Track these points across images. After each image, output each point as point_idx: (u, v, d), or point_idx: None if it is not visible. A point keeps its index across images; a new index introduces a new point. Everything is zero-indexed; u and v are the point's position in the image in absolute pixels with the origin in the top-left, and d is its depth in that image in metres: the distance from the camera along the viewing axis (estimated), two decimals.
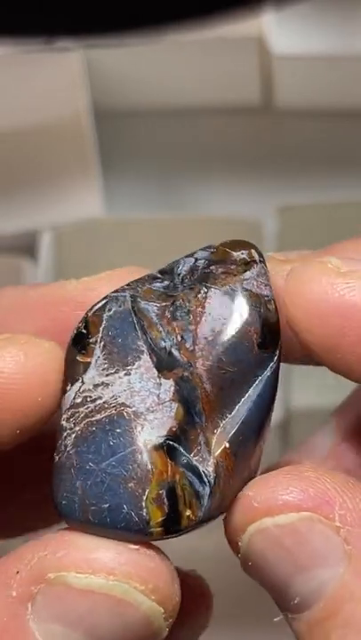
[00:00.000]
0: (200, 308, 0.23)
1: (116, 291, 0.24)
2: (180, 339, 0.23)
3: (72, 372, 0.23)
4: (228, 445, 0.23)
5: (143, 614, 0.22)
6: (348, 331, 0.23)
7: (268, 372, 0.23)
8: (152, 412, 0.22)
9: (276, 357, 0.23)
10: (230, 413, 0.23)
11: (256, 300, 0.23)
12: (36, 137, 0.45)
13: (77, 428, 0.23)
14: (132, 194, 0.51)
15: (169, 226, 0.48)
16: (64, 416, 0.23)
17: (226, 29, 0.43)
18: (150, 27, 0.25)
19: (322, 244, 0.49)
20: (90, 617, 0.21)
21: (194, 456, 0.22)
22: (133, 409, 0.22)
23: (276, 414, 0.25)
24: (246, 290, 0.23)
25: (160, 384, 0.23)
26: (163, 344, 0.23)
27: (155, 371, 0.23)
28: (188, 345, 0.23)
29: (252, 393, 0.23)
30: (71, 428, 0.23)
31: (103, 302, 0.24)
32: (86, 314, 0.24)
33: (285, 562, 0.22)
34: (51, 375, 0.23)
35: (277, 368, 0.23)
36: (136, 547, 0.22)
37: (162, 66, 0.45)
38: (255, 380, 0.23)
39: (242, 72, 0.46)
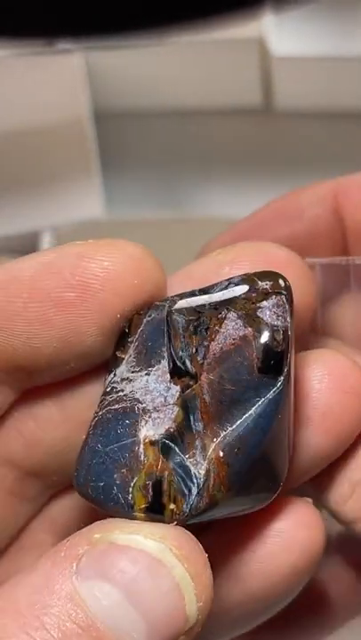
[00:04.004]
0: (217, 327, 0.25)
1: (162, 300, 0.26)
2: (194, 351, 0.25)
3: (111, 364, 0.26)
4: (222, 454, 0.24)
5: (175, 580, 0.23)
6: None
7: (270, 395, 0.25)
8: (157, 411, 0.25)
9: (279, 383, 0.25)
10: (231, 426, 0.25)
11: (265, 328, 0.25)
12: (37, 138, 0.45)
13: (100, 413, 0.25)
14: (132, 194, 0.51)
15: (169, 226, 0.48)
16: (99, 401, 0.26)
17: (226, 31, 0.43)
18: (151, 28, 0.25)
19: None
20: (128, 573, 0.23)
21: (189, 458, 0.24)
22: (144, 405, 0.25)
23: None
24: (258, 317, 0.25)
25: (169, 388, 0.25)
26: (180, 353, 0.25)
27: (168, 375, 0.25)
28: (199, 358, 0.25)
29: (254, 412, 0.25)
30: (97, 412, 0.25)
31: (148, 308, 0.26)
32: (133, 315, 0.26)
33: None
34: (144, 262, 0.26)
35: (282, 393, 0.25)
36: (173, 523, 0.24)
37: (162, 67, 0.45)
38: (258, 401, 0.25)
39: (242, 73, 0.46)
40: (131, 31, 0.26)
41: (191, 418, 0.25)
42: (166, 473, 0.24)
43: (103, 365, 0.27)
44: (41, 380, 0.27)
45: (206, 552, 0.24)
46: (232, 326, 0.25)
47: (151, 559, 0.23)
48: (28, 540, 0.29)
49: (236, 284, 0.26)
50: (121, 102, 0.48)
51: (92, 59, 0.45)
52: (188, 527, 0.24)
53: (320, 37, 0.44)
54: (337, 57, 0.44)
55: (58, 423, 0.27)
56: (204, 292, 0.26)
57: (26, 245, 0.48)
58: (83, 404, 0.27)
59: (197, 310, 0.26)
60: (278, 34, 0.43)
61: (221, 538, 0.27)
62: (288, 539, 0.27)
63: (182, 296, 0.26)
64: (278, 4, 0.26)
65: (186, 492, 0.24)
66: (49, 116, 0.45)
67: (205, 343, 0.25)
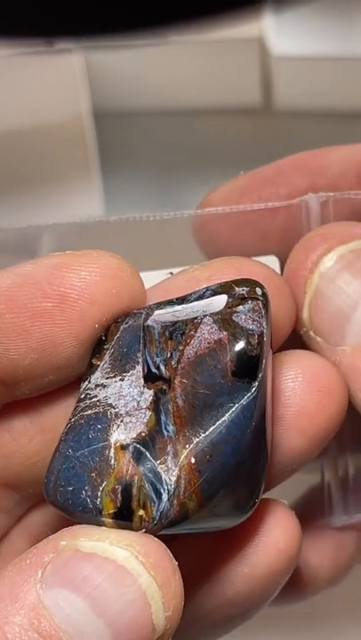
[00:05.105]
0: (192, 332, 0.25)
1: (139, 308, 0.26)
2: (169, 355, 0.25)
3: (87, 372, 0.26)
4: (193, 461, 0.24)
5: (140, 588, 0.23)
6: None
7: (243, 401, 0.24)
8: (130, 415, 0.25)
9: (253, 389, 0.24)
10: (204, 433, 0.24)
11: (239, 332, 0.25)
12: (37, 138, 0.45)
13: (73, 420, 0.25)
14: (132, 194, 0.51)
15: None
16: (73, 409, 0.25)
17: (226, 31, 0.43)
18: (151, 28, 0.25)
19: None
20: (92, 581, 0.22)
21: (160, 464, 0.24)
22: (116, 410, 0.25)
23: None
24: (233, 321, 0.25)
25: (143, 392, 0.25)
26: (155, 358, 0.25)
27: (142, 380, 0.25)
28: (173, 362, 0.25)
29: (228, 418, 0.24)
30: (70, 419, 0.25)
31: (125, 316, 0.26)
32: (110, 324, 0.26)
33: None
34: (121, 272, 0.26)
35: (256, 399, 0.24)
36: (142, 530, 0.24)
37: (162, 67, 0.45)
38: (231, 407, 0.24)
39: (242, 73, 0.46)
40: (130, 31, 0.26)
41: (163, 422, 0.24)
42: (136, 478, 0.24)
43: (81, 378, 0.26)
44: (20, 394, 0.27)
45: (180, 557, 0.24)
46: (207, 330, 0.25)
47: (116, 567, 0.23)
48: (9, 549, 0.29)
49: (214, 292, 0.26)
50: (121, 102, 0.48)
51: (91, 59, 0.45)
52: (159, 537, 0.24)
53: (320, 37, 0.44)
54: (337, 57, 0.44)
55: (33, 436, 0.27)
56: (182, 300, 0.26)
57: (26, 245, 0.48)
58: (59, 417, 0.27)
59: (174, 316, 0.26)
60: (278, 33, 0.43)
61: (196, 542, 0.27)
62: (265, 541, 0.27)
63: (160, 304, 0.26)
64: (278, 3, 0.26)
65: (156, 498, 0.24)
66: (48, 116, 0.45)
67: (180, 348, 0.25)
